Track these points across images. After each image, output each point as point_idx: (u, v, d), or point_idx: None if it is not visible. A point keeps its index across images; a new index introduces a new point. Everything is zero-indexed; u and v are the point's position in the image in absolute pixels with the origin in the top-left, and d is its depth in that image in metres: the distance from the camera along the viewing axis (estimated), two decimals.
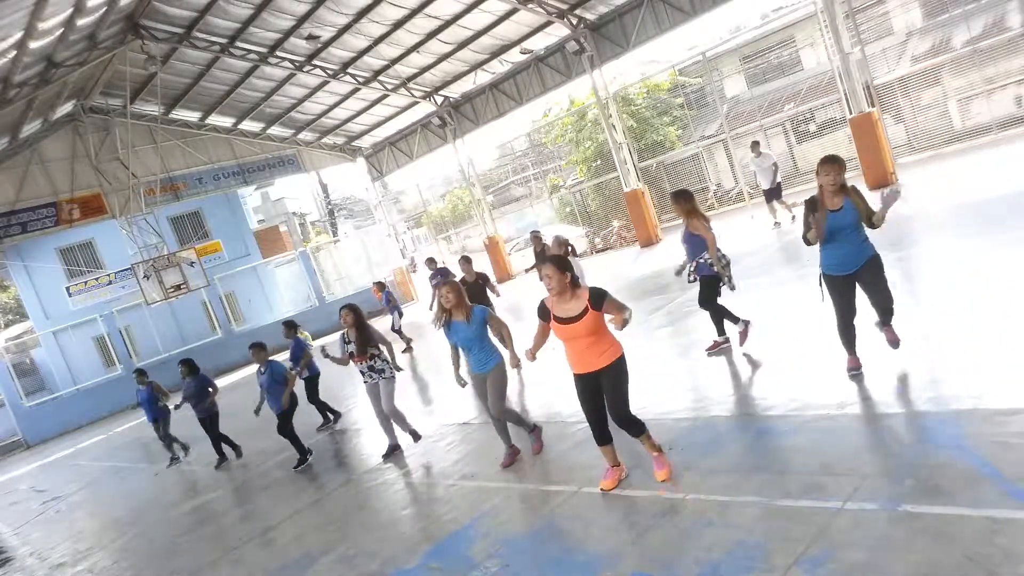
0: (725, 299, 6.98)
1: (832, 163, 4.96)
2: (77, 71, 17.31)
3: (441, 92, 21.94)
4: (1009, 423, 4.03)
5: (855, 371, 5.29)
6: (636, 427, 4.64)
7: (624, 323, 4.40)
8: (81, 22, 15.05)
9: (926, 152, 17.07)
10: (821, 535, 3.49)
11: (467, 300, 5.89)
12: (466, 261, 10.44)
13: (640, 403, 6.56)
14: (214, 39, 17.96)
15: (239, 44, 18.21)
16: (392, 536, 5.35)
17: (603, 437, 4.76)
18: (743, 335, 6.83)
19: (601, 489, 4.78)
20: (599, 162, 24.42)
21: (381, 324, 15.10)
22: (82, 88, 19.51)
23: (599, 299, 4.49)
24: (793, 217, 13.88)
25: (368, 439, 8.67)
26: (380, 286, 15.26)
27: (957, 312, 5.92)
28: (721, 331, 7.07)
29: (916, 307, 6.60)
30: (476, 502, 5.42)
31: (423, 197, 32.01)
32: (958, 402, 4.45)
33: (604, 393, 4.62)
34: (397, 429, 7.46)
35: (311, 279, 26.03)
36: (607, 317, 4.53)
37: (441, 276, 12.29)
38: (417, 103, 22.43)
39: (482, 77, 20.86)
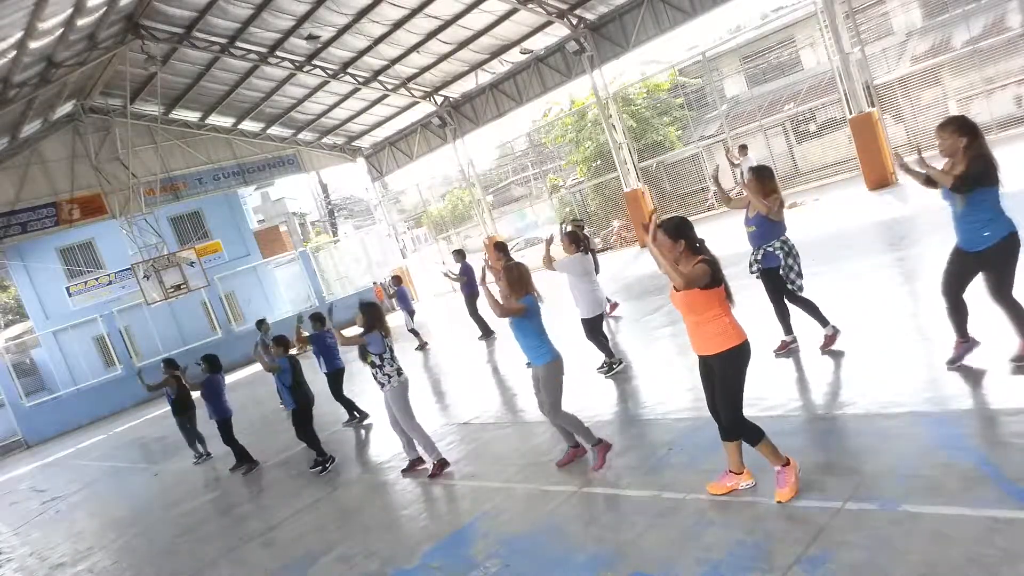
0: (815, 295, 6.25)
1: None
2: (77, 71, 17.30)
3: (441, 92, 21.94)
4: (1009, 423, 4.03)
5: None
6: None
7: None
8: (81, 22, 15.05)
9: (926, 152, 17.02)
10: (821, 535, 3.49)
11: (526, 286, 5.31)
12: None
13: (640, 403, 6.58)
14: (214, 39, 17.96)
15: (239, 44, 18.21)
16: (392, 536, 5.35)
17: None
18: (829, 340, 6.04)
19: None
20: (599, 162, 24.41)
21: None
22: (82, 88, 19.50)
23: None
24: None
25: (370, 439, 8.68)
26: (397, 280, 14.74)
27: None
28: (788, 330, 6.35)
29: (916, 307, 6.61)
30: (476, 502, 5.42)
31: (423, 197, 31.97)
32: (958, 402, 4.45)
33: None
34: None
35: (311, 279, 26.02)
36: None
37: (466, 272, 12.67)
38: (417, 103, 22.44)
39: (482, 77, 20.87)
